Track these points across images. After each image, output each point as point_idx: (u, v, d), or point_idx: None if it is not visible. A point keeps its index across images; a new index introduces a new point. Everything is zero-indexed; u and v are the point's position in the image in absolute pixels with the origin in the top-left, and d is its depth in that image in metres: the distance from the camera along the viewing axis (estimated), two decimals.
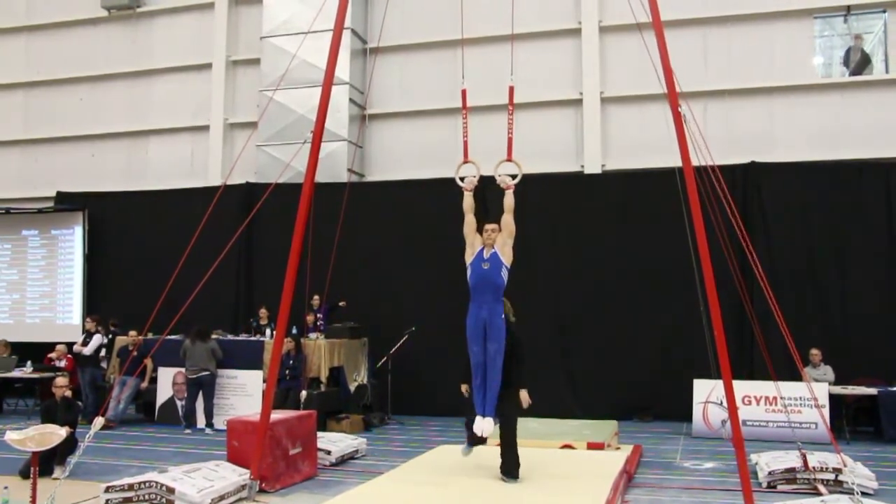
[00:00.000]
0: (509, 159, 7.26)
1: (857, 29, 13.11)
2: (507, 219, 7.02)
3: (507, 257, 6.97)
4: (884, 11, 12.96)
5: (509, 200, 7.07)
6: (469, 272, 6.98)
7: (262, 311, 12.72)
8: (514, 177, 7.26)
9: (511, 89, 7.59)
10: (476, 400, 6.89)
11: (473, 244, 7.05)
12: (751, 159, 12.65)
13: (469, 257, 7.04)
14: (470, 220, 7.13)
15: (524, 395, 7.20)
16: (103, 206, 15.71)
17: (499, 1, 13.65)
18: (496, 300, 6.89)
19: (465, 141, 7.48)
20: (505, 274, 6.96)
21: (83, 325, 12.90)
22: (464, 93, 7.71)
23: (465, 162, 7.36)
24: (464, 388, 7.50)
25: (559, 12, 14.35)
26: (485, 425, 6.76)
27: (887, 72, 12.92)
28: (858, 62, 13.11)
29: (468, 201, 7.19)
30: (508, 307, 7.25)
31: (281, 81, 12.52)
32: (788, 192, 12.43)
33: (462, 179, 7.35)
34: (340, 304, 12.70)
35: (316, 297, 12.16)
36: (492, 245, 6.97)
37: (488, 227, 7.03)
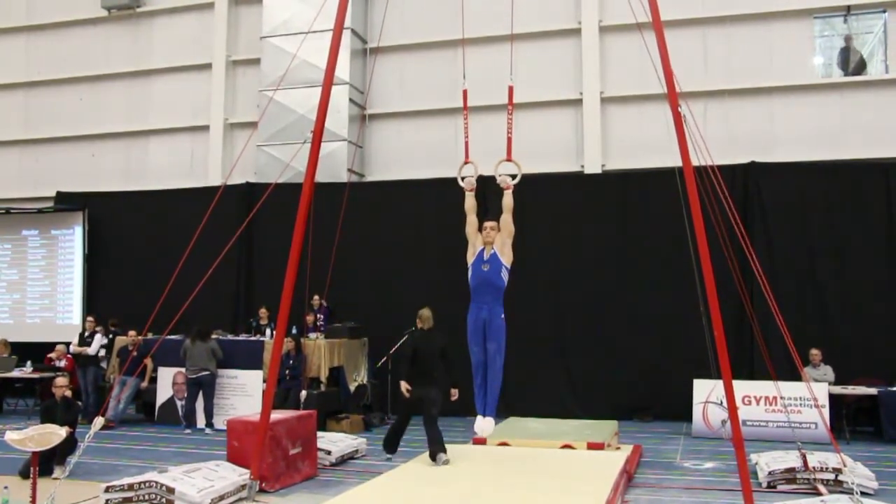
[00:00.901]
0: (509, 159, 7.25)
1: (856, 29, 13.11)
2: (507, 218, 7.02)
3: (506, 257, 6.97)
4: (884, 11, 12.97)
5: (508, 200, 7.07)
6: (470, 273, 7.00)
7: (263, 311, 12.72)
8: (513, 177, 7.25)
9: (510, 89, 7.57)
10: (477, 400, 6.93)
11: (475, 244, 7.06)
12: (751, 159, 12.65)
13: (470, 257, 7.05)
14: (472, 221, 7.13)
15: (455, 392, 8.43)
16: (103, 206, 15.70)
17: (498, 1, 13.68)
18: (496, 301, 6.91)
19: (465, 141, 7.47)
20: (505, 275, 6.97)
21: (83, 325, 12.90)
22: (465, 93, 7.71)
23: (466, 162, 7.36)
24: (404, 386, 8.45)
25: (559, 12, 14.35)
26: (485, 425, 6.81)
27: (887, 72, 12.92)
28: (857, 63, 13.11)
29: (469, 202, 7.19)
30: (427, 315, 8.70)
31: (281, 81, 12.52)
32: (788, 192, 12.43)
33: (463, 180, 7.35)
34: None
35: (316, 296, 12.16)
36: (491, 244, 6.97)
37: (487, 224, 7.03)
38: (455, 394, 8.48)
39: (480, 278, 6.92)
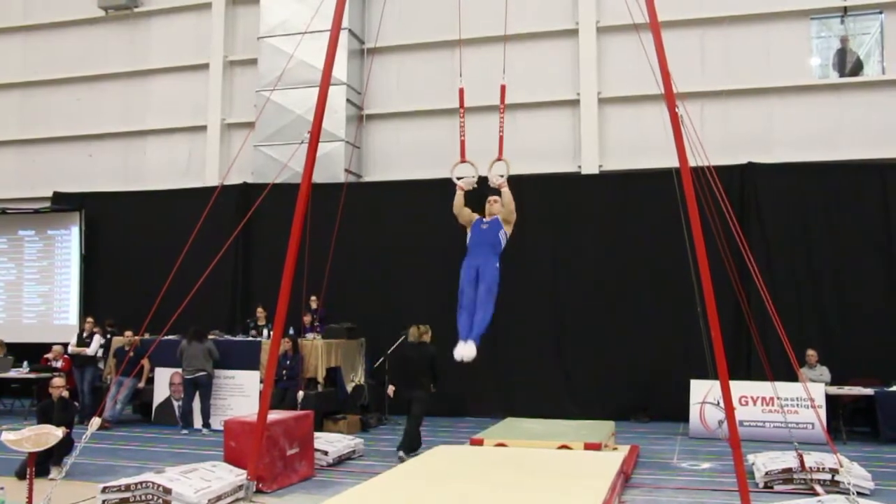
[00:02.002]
0: (500, 158, 7.19)
1: (853, 30, 13.13)
2: (509, 208, 6.90)
3: (507, 228, 6.86)
4: (880, 13, 12.99)
5: (508, 198, 6.94)
6: (468, 236, 6.91)
7: (260, 311, 12.68)
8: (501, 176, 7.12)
9: (503, 88, 7.47)
10: (460, 327, 6.59)
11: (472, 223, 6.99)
12: (748, 160, 12.67)
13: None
14: (466, 214, 7.04)
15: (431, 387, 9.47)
16: (100, 206, 15.68)
17: (497, 1, 13.67)
18: (492, 254, 6.77)
19: (462, 141, 7.44)
20: (503, 237, 6.83)
21: (80, 326, 12.87)
22: (461, 92, 7.66)
23: (462, 161, 7.30)
24: (391, 389, 9.74)
25: (557, 13, 14.35)
26: (465, 350, 6.41)
27: (883, 73, 12.95)
28: (854, 64, 13.13)
29: (459, 200, 7.08)
30: (421, 331, 9.59)
31: (278, 82, 12.50)
32: (785, 193, 12.45)
33: (459, 179, 7.28)
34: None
35: (313, 297, 12.13)
36: (493, 215, 6.90)
37: (491, 198, 6.97)
38: (432, 388, 9.53)
39: (478, 237, 6.81)
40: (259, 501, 7.09)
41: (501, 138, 7.25)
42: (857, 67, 13.15)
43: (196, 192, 14.40)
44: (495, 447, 8.61)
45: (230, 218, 12.57)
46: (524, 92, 13.21)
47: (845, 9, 13.11)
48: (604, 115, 13.99)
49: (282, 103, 14.44)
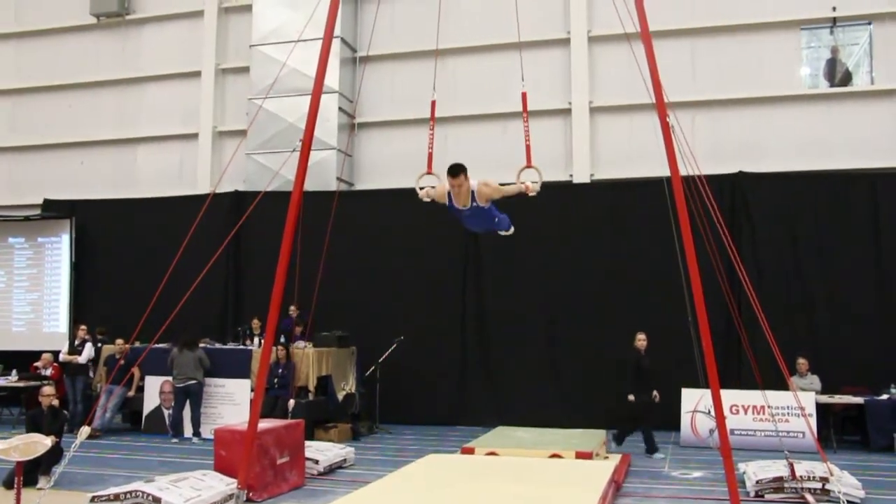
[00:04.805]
0: (529, 166, 7.16)
1: (843, 41, 13.23)
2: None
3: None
4: (869, 23, 13.08)
5: (510, 189, 6.77)
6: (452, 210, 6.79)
7: (255, 322, 12.54)
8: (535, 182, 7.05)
9: (524, 95, 7.48)
10: None
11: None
12: (738, 169, 12.73)
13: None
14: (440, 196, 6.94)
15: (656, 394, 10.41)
16: (91, 213, 15.63)
17: (490, 10, 13.72)
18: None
19: (429, 153, 7.45)
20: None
21: (69, 334, 12.80)
22: (433, 104, 7.67)
23: (428, 173, 7.32)
24: (631, 397, 10.26)
25: (548, 22, 14.37)
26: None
27: (872, 83, 13.04)
28: (843, 74, 13.22)
29: (440, 189, 7.09)
30: (642, 339, 10.56)
31: (270, 90, 12.49)
32: (775, 202, 12.51)
33: (422, 189, 7.27)
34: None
35: (292, 307, 12.01)
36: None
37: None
38: (657, 396, 10.38)
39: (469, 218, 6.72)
40: None
41: (528, 147, 7.20)
42: (847, 77, 13.24)
43: (187, 200, 14.34)
44: (486, 456, 8.60)
45: (222, 226, 12.51)
46: (515, 100, 13.19)
47: (835, 19, 13.20)
48: (595, 125, 14.03)
49: (274, 111, 14.43)
